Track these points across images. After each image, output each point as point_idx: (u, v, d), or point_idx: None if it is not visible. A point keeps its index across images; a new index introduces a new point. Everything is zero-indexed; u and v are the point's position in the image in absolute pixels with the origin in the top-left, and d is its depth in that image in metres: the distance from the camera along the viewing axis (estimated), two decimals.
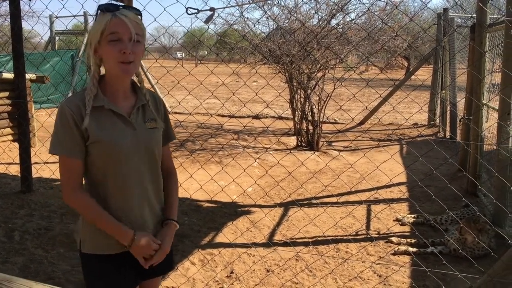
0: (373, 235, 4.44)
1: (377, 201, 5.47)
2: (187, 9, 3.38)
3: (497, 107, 4.60)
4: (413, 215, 4.85)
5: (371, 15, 8.08)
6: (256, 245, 4.20)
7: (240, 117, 11.52)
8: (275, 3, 8.17)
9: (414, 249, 4.03)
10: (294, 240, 4.35)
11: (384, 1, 7.65)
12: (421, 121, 11.18)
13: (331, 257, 3.98)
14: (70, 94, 12.25)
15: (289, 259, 3.91)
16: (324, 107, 8.04)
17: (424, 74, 20.05)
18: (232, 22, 8.36)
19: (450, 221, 4.53)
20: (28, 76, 6.82)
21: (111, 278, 1.84)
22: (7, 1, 5.49)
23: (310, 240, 4.36)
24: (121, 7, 1.71)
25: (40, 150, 6.46)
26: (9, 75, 7.07)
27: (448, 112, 9.09)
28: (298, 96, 8.49)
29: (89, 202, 1.75)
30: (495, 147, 4.68)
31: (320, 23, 8.13)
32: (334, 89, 7.51)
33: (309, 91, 8.07)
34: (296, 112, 8.66)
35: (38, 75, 7.78)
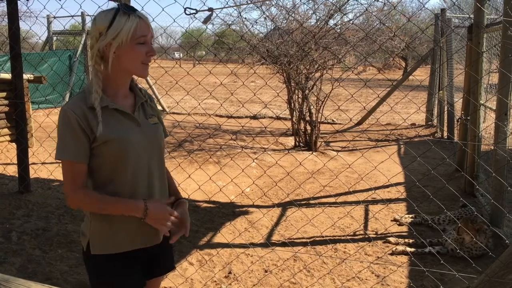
0: (371, 235, 4.44)
1: (375, 201, 5.48)
2: (185, 9, 3.39)
3: (494, 107, 4.61)
4: (411, 215, 4.86)
5: (369, 16, 8.10)
6: (254, 245, 4.20)
7: (238, 117, 11.53)
8: (273, 3, 8.18)
9: (412, 249, 4.04)
10: (292, 240, 4.35)
11: (382, 2, 7.66)
12: (419, 122, 11.20)
13: (329, 257, 3.98)
14: (67, 95, 12.28)
15: (287, 259, 3.91)
16: (322, 107, 8.04)
17: (421, 74, 20.06)
18: (230, 22, 8.38)
19: (447, 221, 4.54)
20: (25, 76, 6.82)
21: (122, 277, 1.84)
22: (5, 1, 5.48)
23: (308, 240, 4.36)
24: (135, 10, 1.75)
25: (38, 151, 6.45)
26: (6, 76, 7.05)
27: (446, 112, 9.10)
28: (296, 97, 8.49)
29: (91, 193, 1.75)
30: (492, 147, 4.69)
31: (318, 23, 8.15)
32: (332, 89, 7.52)
33: (307, 91, 8.08)
34: (294, 113, 8.66)
35: (35, 75, 7.76)
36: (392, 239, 4.27)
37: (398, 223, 4.76)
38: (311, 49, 7.82)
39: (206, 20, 3.77)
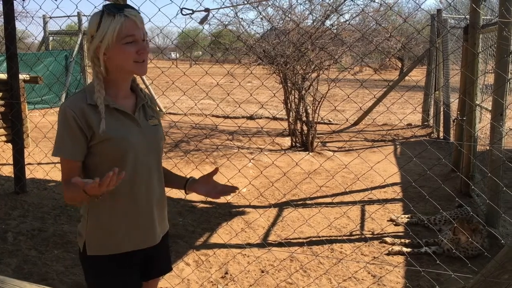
0: (367, 236, 4.45)
1: (371, 202, 5.49)
2: (181, 9, 3.39)
3: (490, 108, 4.63)
4: (407, 215, 4.87)
5: (365, 16, 8.11)
6: (250, 245, 4.20)
7: (235, 117, 11.52)
8: (270, 3, 8.18)
9: (408, 249, 4.05)
10: (289, 240, 4.36)
11: (378, 2, 7.68)
12: (415, 122, 11.22)
13: (326, 257, 3.99)
14: (64, 95, 12.25)
15: (284, 259, 3.91)
16: (318, 107, 8.05)
17: (417, 75, 20.13)
18: (226, 22, 8.37)
19: (443, 221, 4.56)
20: (21, 76, 6.79)
21: (119, 278, 1.84)
22: (1, 2, 5.47)
23: (304, 240, 4.36)
24: (124, 7, 1.71)
25: (34, 151, 6.43)
26: (2, 76, 7.02)
27: (442, 112, 9.13)
28: (293, 97, 8.50)
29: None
30: (488, 148, 4.71)
31: (315, 24, 8.16)
32: (329, 89, 7.53)
33: (303, 91, 8.08)
34: (291, 113, 8.67)
35: (31, 75, 7.74)
36: (388, 239, 4.28)
37: (394, 223, 4.77)
38: (308, 49, 7.83)
39: (203, 21, 3.77)
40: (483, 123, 5.69)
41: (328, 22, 8.27)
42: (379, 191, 5.88)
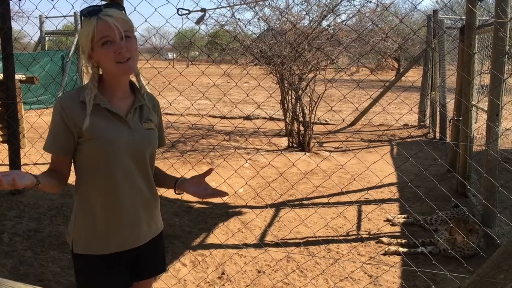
0: (364, 236, 4.46)
1: (367, 202, 5.50)
2: (178, 9, 3.39)
3: (486, 108, 4.64)
4: (403, 216, 4.88)
5: (362, 17, 8.13)
6: (247, 246, 4.20)
7: (232, 118, 11.52)
8: (267, 4, 8.19)
9: (405, 249, 4.05)
10: (285, 240, 4.36)
11: (375, 3, 7.69)
12: (411, 122, 11.25)
13: (322, 257, 3.99)
14: (60, 95, 12.22)
15: (280, 259, 3.91)
16: (315, 108, 8.06)
17: (414, 75, 20.16)
18: (223, 23, 8.37)
19: (440, 221, 4.57)
20: (17, 76, 6.77)
21: (101, 278, 1.84)
22: None
23: (301, 240, 4.37)
24: (103, 7, 1.70)
25: (30, 152, 6.41)
26: None
27: (438, 113, 9.16)
28: (289, 97, 8.50)
29: None
30: (484, 148, 4.72)
31: (311, 24, 8.17)
32: (325, 90, 7.53)
33: (300, 92, 8.09)
34: (287, 113, 8.67)
35: (27, 75, 7.72)
36: (384, 239, 4.29)
37: (390, 223, 4.78)
38: (304, 50, 7.84)
39: (199, 21, 3.77)
40: (479, 124, 5.71)
41: (324, 23, 8.30)
42: (375, 191, 5.89)
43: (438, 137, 8.98)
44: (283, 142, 8.82)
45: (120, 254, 1.84)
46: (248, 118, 11.34)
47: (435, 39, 9.40)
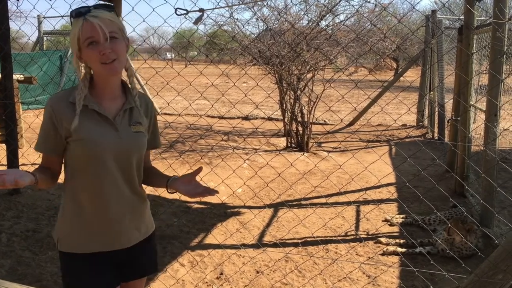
0: (362, 236, 4.46)
1: (366, 202, 5.50)
2: (176, 9, 3.38)
3: (484, 108, 4.65)
4: (401, 216, 4.88)
5: (360, 17, 8.13)
6: (245, 246, 4.20)
7: (230, 118, 11.52)
8: (265, 4, 8.19)
9: (403, 250, 4.05)
10: (284, 241, 4.36)
11: (373, 3, 7.69)
12: (410, 122, 11.25)
13: (321, 257, 3.99)
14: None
15: (279, 260, 3.91)
16: (313, 108, 8.06)
17: (412, 75, 20.18)
18: (221, 23, 8.37)
19: (438, 222, 4.57)
20: (15, 76, 6.75)
21: (85, 277, 1.84)
22: None
23: (299, 241, 4.36)
24: (92, 7, 1.70)
25: (28, 152, 6.38)
26: None
27: (436, 113, 9.17)
28: (288, 97, 8.50)
29: None
30: (482, 148, 4.72)
31: (310, 24, 8.16)
32: (324, 90, 7.53)
33: (298, 92, 8.09)
34: (286, 113, 8.67)
35: (25, 75, 7.70)
36: (383, 240, 4.29)
37: (389, 223, 4.78)
38: (303, 50, 7.84)
39: (197, 21, 3.77)
40: (477, 124, 5.72)
41: (323, 23, 8.29)
42: (374, 192, 5.89)
43: (436, 137, 8.99)
44: (282, 142, 8.82)
45: (105, 254, 1.84)
46: (246, 118, 11.34)
47: (433, 39, 9.41)
